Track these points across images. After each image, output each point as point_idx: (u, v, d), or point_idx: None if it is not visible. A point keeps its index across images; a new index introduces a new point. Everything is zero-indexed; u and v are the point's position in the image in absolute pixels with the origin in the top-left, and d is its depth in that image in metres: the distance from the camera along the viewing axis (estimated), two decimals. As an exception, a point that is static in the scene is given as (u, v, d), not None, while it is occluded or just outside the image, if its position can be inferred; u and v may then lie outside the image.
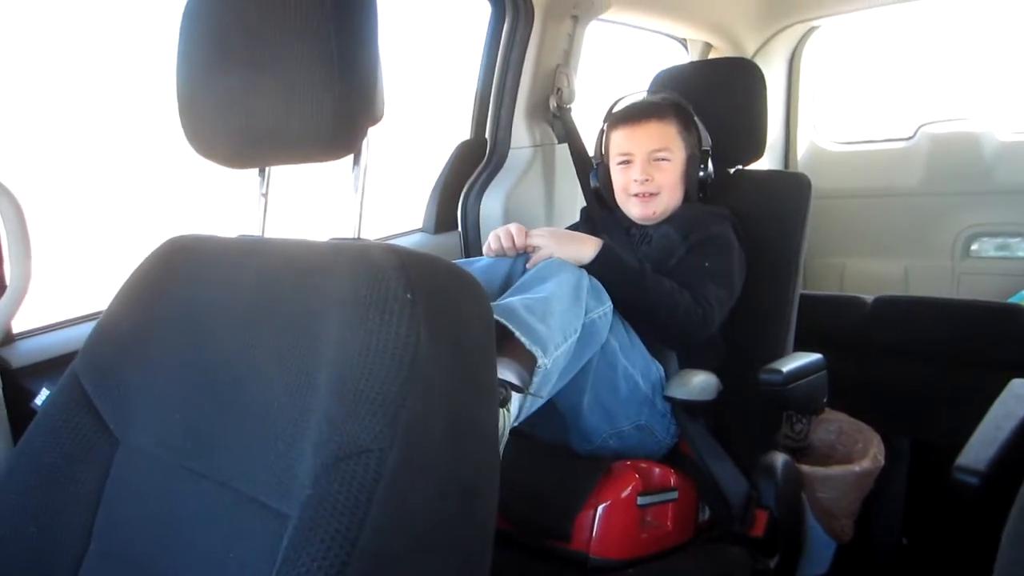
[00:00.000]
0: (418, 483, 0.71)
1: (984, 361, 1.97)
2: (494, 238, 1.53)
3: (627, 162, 1.67)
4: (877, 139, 2.84)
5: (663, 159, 1.64)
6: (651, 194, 1.65)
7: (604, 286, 1.42)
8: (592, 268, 1.44)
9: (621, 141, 1.68)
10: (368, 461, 0.68)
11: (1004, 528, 0.68)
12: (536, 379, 1.27)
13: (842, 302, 2.33)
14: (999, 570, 0.66)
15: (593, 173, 1.79)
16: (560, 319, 1.30)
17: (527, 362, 1.27)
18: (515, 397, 1.23)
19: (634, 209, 1.68)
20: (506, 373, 1.25)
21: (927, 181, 2.65)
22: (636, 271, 1.48)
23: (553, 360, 1.28)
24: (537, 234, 1.50)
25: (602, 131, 1.76)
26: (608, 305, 1.41)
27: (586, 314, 1.36)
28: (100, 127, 1.78)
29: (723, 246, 1.58)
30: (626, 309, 1.48)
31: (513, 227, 1.52)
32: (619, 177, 1.69)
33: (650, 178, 1.64)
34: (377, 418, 0.69)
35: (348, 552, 0.65)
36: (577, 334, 1.33)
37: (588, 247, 1.47)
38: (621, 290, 1.45)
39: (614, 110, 1.74)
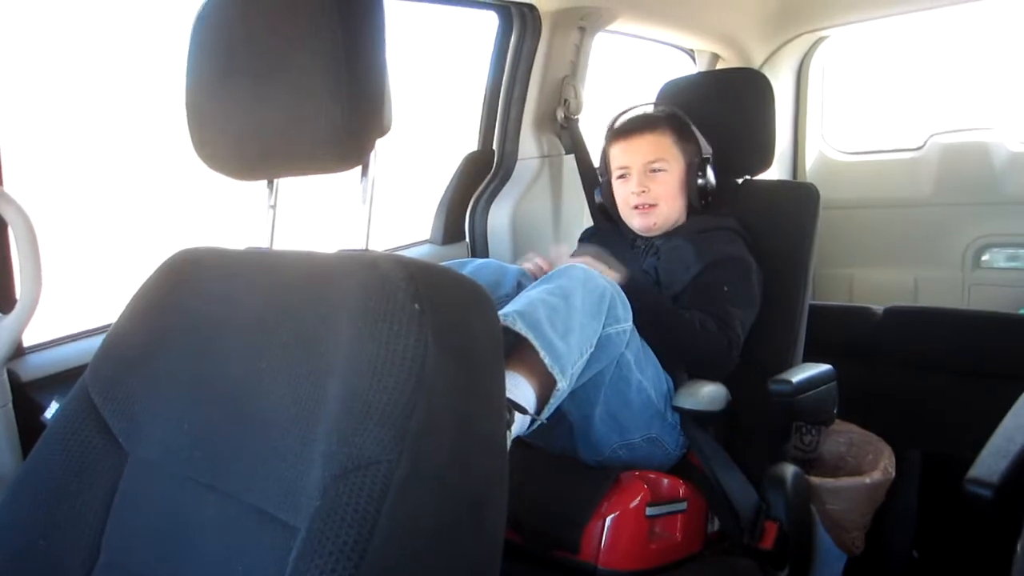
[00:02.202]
0: (426, 495, 0.71)
1: (995, 372, 1.96)
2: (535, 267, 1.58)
3: (625, 176, 1.69)
4: (886, 149, 2.83)
5: (659, 170, 1.66)
6: (650, 205, 1.66)
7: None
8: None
9: (618, 155, 1.71)
10: (376, 473, 0.68)
11: (1020, 537, 0.67)
12: (552, 401, 1.27)
13: (852, 312, 2.32)
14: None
15: (598, 190, 1.80)
16: (579, 334, 1.29)
17: (538, 374, 1.27)
18: (518, 417, 1.23)
19: (636, 221, 1.69)
20: (515, 391, 1.23)
21: (937, 191, 2.65)
22: (653, 306, 1.49)
23: (569, 380, 1.28)
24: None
25: (604, 149, 1.78)
26: (629, 324, 1.41)
27: (604, 328, 1.35)
28: (111, 139, 1.79)
29: (741, 268, 1.59)
30: (651, 341, 1.50)
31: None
32: (619, 191, 1.71)
33: (647, 189, 1.66)
34: (385, 430, 0.69)
35: (357, 564, 0.65)
36: (592, 349, 1.33)
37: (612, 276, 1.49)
38: (641, 321, 1.45)
39: (614, 126, 1.76)
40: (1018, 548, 0.68)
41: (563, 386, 1.26)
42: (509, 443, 1.20)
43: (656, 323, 1.48)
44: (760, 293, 1.60)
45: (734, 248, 1.61)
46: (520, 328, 1.23)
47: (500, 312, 1.24)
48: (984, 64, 2.75)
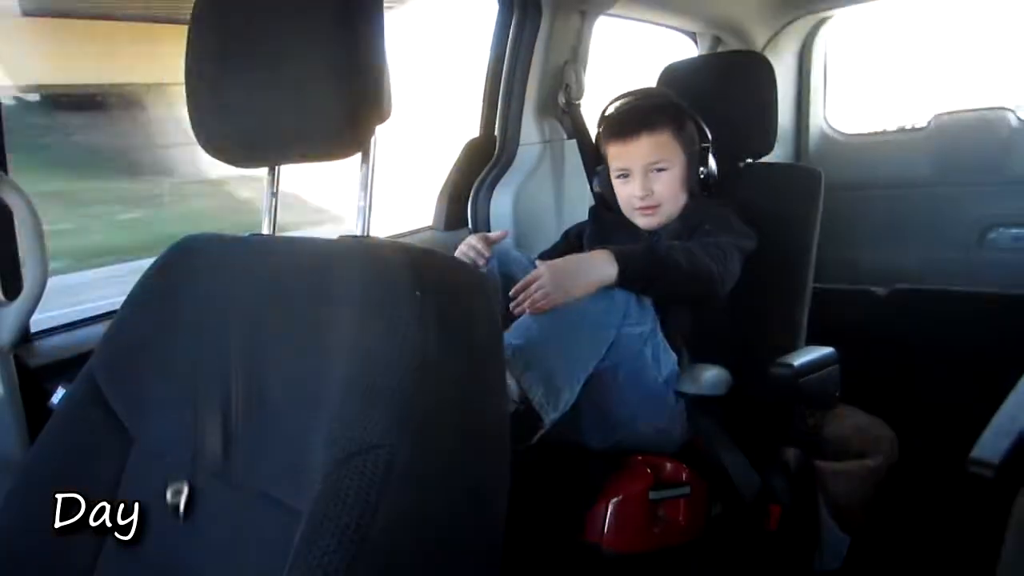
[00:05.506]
0: (428, 480, 0.71)
1: (1000, 353, 1.95)
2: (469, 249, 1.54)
3: (624, 176, 1.64)
4: (890, 129, 2.82)
5: (661, 169, 1.61)
6: (654, 206, 1.62)
7: (641, 285, 1.40)
8: (624, 280, 1.38)
9: (616, 156, 1.65)
10: (378, 457, 0.68)
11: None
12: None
13: (855, 295, 2.31)
14: (1005, 554, 0.66)
15: (596, 179, 1.75)
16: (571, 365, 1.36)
17: None
18: None
19: (640, 220, 1.65)
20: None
21: (941, 171, 2.63)
22: (652, 254, 1.42)
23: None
24: (536, 277, 1.36)
25: (598, 136, 1.73)
26: (647, 326, 1.42)
27: (619, 330, 1.38)
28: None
29: (717, 213, 1.59)
30: (664, 292, 1.46)
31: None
32: (620, 190, 1.66)
33: (650, 192, 1.61)
34: (387, 415, 0.70)
35: (359, 546, 0.66)
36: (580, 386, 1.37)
37: (604, 266, 1.38)
38: (654, 279, 1.41)
39: (606, 114, 1.72)
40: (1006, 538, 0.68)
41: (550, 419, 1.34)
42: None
43: (660, 267, 1.40)
44: (752, 237, 1.57)
45: (717, 209, 1.61)
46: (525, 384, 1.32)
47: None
48: (989, 42, 2.72)
